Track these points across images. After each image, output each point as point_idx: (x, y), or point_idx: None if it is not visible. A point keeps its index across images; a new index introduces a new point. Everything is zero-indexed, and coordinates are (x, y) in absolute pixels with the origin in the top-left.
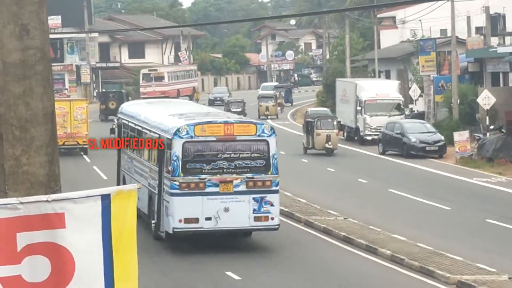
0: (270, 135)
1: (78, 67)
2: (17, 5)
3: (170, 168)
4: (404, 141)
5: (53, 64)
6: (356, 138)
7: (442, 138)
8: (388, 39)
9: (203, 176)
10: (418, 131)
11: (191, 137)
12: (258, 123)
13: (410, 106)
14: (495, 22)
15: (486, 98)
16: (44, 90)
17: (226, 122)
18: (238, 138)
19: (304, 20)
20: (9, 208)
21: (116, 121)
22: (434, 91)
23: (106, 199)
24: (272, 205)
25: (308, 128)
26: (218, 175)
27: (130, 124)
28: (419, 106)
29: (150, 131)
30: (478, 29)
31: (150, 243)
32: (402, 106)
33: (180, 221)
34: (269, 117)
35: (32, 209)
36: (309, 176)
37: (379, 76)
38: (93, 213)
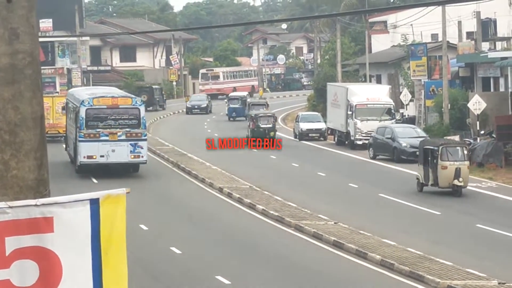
0: (141, 105)
1: (69, 70)
2: (6, 9)
3: (78, 125)
4: (395, 145)
5: (44, 67)
6: (346, 142)
7: None
8: (379, 43)
9: (98, 130)
10: (408, 136)
11: (91, 105)
12: (133, 97)
13: (401, 110)
14: (486, 27)
15: (476, 103)
16: (33, 94)
17: (112, 96)
18: (120, 106)
19: (296, 24)
20: None
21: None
22: (425, 96)
23: (95, 203)
24: (142, 148)
25: (427, 158)
26: (108, 129)
27: (68, 101)
28: (410, 110)
29: (73, 103)
30: (469, 34)
31: (141, 250)
32: (393, 111)
33: (84, 157)
34: None
35: (21, 213)
36: (300, 181)
37: (370, 81)
38: (82, 218)
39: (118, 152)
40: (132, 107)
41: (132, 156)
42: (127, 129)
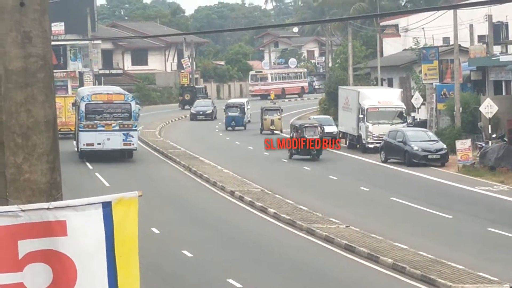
0: (132, 100)
1: (81, 73)
2: (19, 12)
3: (79, 117)
4: (406, 149)
5: (56, 70)
6: (358, 146)
7: (444, 146)
8: (391, 47)
9: (96, 121)
10: (420, 139)
11: (90, 101)
12: (126, 94)
13: (412, 114)
14: (498, 30)
15: (488, 107)
16: (46, 97)
17: (108, 93)
18: (114, 101)
19: (307, 27)
20: (10, 216)
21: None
22: (436, 99)
23: (107, 207)
24: (133, 137)
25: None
26: (104, 121)
27: (76, 99)
28: (421, 114)
29: (77, 100)
30: (481, 38)
31: (153, 253)
32: (404, 114)
33: (84, 145)
34: (274, 131)
35: (34, 217)
36: (311, 184)
37: (382, 84)
38: (95, 221)
39: (113, 141)
40: (124, 102)
41: (124, 144)
42: (120, 121)
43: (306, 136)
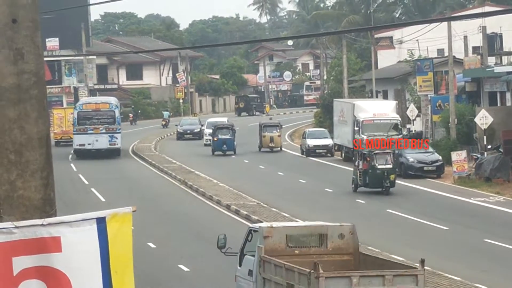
0: (116, 108)
1: (76, 89)
2: (11, 29)
3: (73, 123)
4: (402, 161)
5: (51, 86)
6: (353, 158)
7: (440, 158)
8: (386, 59)
9: (86, 126)
10: (416, 151)
11: (81, 109)
12: (110, 103)
13: (408, 126)
14: (492, 41)
15: (483, 118)
16: (38, 114)
17: (96, 103)
18: (101, 109)
19: (302, 40)
20: (4, 233)
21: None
22: (431, 111)
23: (101, 222)
24: (117, 138)
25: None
26: (93, 125)
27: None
28: (417, 126)
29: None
30: (475, 49)
31: (150, 268)
32: (399, 126)
33: (77, 145)
34: (274, 149)
35: (28, 233)
36: (307, 197)
37: (377, 96)
38: (90, 237)
39: (100, 141)
40: (110, 110)
41: (110, 144)
42: (106, 125)
43: (377, 165)
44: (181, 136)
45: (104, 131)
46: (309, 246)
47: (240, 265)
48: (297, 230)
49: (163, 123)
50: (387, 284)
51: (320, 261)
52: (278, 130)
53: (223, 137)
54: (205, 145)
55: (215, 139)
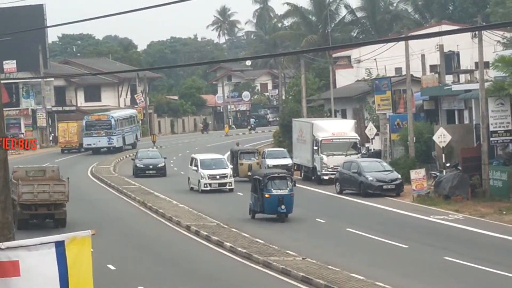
0: (112, 118)
1: (34, 111)
2: None
3: (81, 129)
4: (361, 180)
5: (8, 108)
6: (313, 177)
7: (399, 176)
8: (344, 78)
9: (91, 131)
10: (375, 170)
11: (88, 119)
12: (109, 115)
13: (367, 145)
14: (449, 60)
15: (441, 136)
16: None
17: (98, 115)
18: (102, 119)
19: (260, 60)
20: None
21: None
22: (390, 130)
23: (60, 246)
24: (113, 140)
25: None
26: (96, 131)
27: None
28: (376, 144)
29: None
30: (433, 67)
31: None
32: (358, 145)
33: (86, 145)
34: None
35: None
36: (267, 217)
37: (335, 116)
38: (48, 260)
39: (102, 142)
40: (108, 120)
41: (108, 144)
42: (106, 130)
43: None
44: (141, 172)
45: (104, 134)
46: None
47: None
48: None
49: None
50: None
51: None
52: (257, 157)
53: (279, 192)
54: (203, 191)
55: (267, 195)
